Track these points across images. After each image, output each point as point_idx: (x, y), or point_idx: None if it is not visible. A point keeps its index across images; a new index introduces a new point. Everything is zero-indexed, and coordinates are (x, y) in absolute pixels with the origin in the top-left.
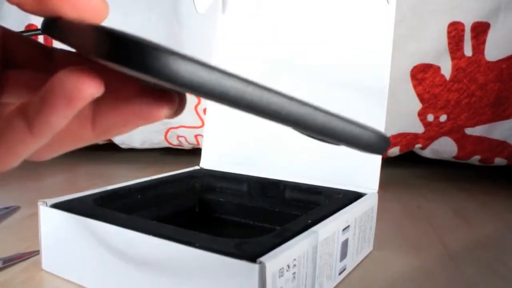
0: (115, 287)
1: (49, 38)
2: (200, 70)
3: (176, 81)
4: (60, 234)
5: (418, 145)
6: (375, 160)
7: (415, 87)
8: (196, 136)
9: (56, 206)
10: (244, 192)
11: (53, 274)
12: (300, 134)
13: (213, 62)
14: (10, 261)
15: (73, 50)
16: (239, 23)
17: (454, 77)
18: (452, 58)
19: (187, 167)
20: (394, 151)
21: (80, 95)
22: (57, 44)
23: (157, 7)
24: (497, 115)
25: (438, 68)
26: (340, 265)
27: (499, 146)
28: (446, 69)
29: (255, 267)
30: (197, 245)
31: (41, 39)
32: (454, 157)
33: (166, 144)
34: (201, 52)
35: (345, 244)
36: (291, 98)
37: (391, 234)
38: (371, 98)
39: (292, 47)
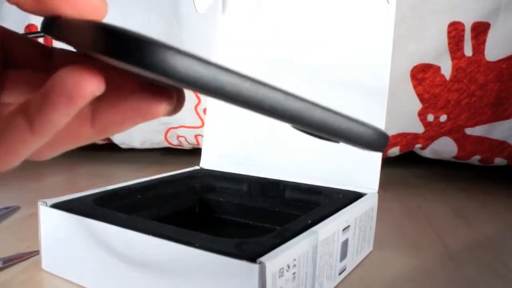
0: (115, 287)
1: (49, 38)
2: (197, 65)
3: (173, 76)
4: (60, 234)
5: (418, 145)
6: (375, 160)
7: (415, 87)
8: (196, 136)
9: (56, 206)
10: (244, 192)
11: (53, 274)
12: (299, 132)
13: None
14: (10, 261)
15: (73, 49)
16: (239, 23)
17: (454, 77)
18: (452, 58)
19: (187, 167)
20: (394, 151)
21: (81, 93)
22: (57, 44)
23: (157, 7)
24: (497, 115)
25: (438, 68)
26: (340, 265)
27: (499, 146)
28: (446, 69)
29: (255, 267)
30: (197, 245)
31: (41, 39)
32: (454, 157)
33: (166, 144)
34: (201, 52)
35: (345, 244)
36: (288, 94)
37: (391, 234)
38: (371, 98)
39: (292, 47)
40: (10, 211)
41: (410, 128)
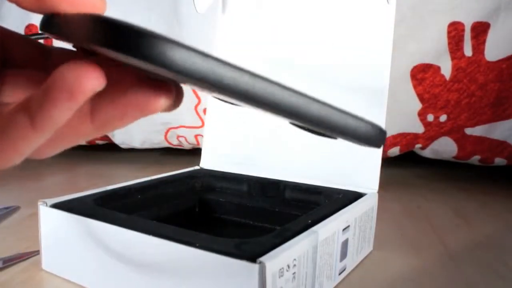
0: (115, 287)
1: (49, 38)
2: (195, 57)
3: (171, 67)
4: (60, 234)
5: (418, 145)
6: (375, 160)
7: (415, 87)
8: (196, 136)
9: (56, 206)
10: (244, 192)
11: (53, 274)
12: (299, 131)
13: None
14: (10, 261)
15: (72, 48)
16: (239, 23)
17: (454, 77)
18: (452, 58)
19: (187, 167)
20: (394, 151)
21: (82, 88)
22: (56, 44)
23: (157, 7)
24: (497, 115)
25: (438, 68)
26: (340, 265)
27: (499, 146)
28: (446, 69)
29: (255, 267)
30: (197, 245)
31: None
32: (454, 157)
33: (166, 144)
34: None
35: (345, 244)
36: (286, 87)
37: (391, 234)
38: (371, 98)
39: (292, 47)
40: (10, 211)
41: (410, 128)
